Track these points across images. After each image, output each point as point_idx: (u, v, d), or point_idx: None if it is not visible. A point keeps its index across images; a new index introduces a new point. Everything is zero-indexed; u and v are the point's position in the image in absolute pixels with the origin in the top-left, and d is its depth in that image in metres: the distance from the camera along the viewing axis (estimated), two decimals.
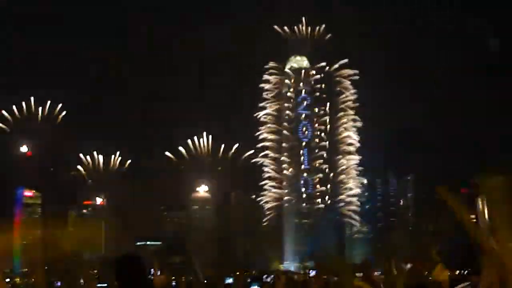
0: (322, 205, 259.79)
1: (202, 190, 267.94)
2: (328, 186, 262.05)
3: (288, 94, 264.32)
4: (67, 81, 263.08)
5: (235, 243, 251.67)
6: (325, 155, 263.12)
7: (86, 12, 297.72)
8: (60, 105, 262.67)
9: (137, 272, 8.81)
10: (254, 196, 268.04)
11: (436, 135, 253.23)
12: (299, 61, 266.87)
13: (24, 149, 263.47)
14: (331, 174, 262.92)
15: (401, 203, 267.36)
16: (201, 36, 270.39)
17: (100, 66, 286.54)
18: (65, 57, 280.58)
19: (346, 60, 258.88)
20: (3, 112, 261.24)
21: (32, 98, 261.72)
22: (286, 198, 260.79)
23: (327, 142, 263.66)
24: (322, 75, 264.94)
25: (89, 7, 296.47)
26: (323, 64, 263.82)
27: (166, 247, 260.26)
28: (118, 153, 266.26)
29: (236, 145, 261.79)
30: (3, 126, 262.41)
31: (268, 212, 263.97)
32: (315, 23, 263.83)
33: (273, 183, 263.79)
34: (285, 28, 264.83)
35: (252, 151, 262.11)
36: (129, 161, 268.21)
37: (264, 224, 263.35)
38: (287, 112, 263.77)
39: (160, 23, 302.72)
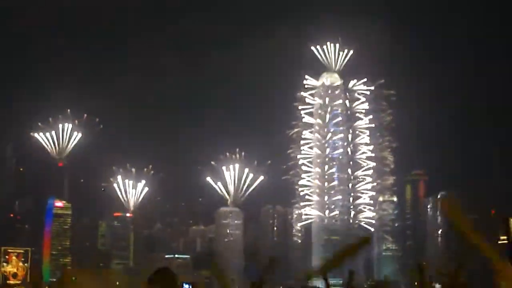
0: (351, 222, 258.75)
1: (232, 204, 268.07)
2: (358, 203, 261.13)
3: (319, 111, 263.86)
4: (103, 95, 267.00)
5: (262, 258, 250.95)
6: (356, 172, 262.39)
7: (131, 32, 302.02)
8: (97, 119, 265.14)
9: (169, 285, 9.07)
10: (284, 212, 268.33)
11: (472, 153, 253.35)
12: (332, 78, 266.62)
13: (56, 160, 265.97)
14: (362, 192, 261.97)
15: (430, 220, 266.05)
16: (239, 52, 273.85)
17: (134, 80, 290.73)
18: (102, 71, 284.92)
19: (382, 81, 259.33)
20: (38, 123, 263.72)
21: (68, 110, 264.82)
22: (316, 214, 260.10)
23: (359, 160, 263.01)
24: (355, 93, 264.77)
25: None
26: (356, 81, 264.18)
27: (194, 260, 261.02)
28: (150, 166, 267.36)
29: (268, 162, 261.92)
30: (38, 137, 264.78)
31: (297, 228, 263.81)
32: (349, 43, 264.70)
33: (304, 200, 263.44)
34: (318, 46, 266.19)
35: (284, 167, 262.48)
36: (160, 174, 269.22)
37: (294, 240, 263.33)
38: (319, 129, 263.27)
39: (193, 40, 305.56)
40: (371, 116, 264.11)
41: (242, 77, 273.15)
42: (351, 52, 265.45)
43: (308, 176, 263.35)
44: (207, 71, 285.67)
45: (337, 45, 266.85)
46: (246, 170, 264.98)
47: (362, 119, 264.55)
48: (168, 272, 9.45)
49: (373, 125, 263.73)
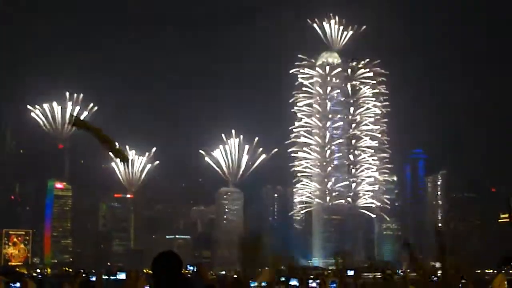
0: (351, 202, 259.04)
1: (232, 185, 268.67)
2: (358, 182, 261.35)
3: (319, 89, 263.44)
4: (102, 76, 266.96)
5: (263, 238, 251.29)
6: (355, 151, 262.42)
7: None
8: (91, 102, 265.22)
9: (173, 268, 9.13)
10: (284, 192, 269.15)
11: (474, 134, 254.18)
12: (331, 57, 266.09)
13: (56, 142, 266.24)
14: (361, 171, 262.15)
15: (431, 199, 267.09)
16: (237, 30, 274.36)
17: (138, 63, 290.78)
18: (99, 55, 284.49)
19: (378, 61, 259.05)
20: (37, 106, 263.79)
21: (67, 93, 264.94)
22: (315, 194, 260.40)
23: (357, 139, 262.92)
24: (353, 71, 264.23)
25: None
26: (355, 60, 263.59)
27: (195, 241, 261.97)
28: (152, 148, 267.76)
29: (275, 149, 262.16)
30: (37, 119, 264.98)
31: (297, 208, 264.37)
32: (348, 20, 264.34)
33: (303, 179, 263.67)
34: (317, 23, 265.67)
35: (282, 146, 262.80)
36: (159, 155, 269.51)
37: (294, 219, 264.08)
38: (318, 107, 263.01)
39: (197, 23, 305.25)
40: (371, 96, 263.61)
41: (244, 56, 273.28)
42: (351, 32, 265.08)
43: (307, 155, 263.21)
44: (209, 50, 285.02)
45: (337, 23, 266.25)
46: (246, 148, 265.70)
47: (359, 97, 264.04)
48: (172, 255, 9.53)
49: (372, 106, 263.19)
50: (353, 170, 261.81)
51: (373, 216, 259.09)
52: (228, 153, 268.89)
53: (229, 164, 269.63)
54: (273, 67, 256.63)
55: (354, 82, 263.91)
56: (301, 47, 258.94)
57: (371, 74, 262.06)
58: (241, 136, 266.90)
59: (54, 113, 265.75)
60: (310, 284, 57.86)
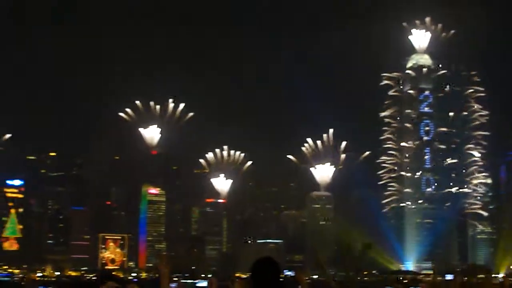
0: (443, 205, 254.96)
1: (322, 189, 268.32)
2: (451, 185, 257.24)
3: (410, 91, 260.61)
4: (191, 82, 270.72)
5: (354, 241, 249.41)
6: (448, 154, 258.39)
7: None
8: (182, 105, 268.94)
9: (274, 275, 9.29)
10: (374, 195, 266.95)
11: None
12: (422, 59, 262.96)
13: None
14: (454, 174, 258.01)
15: None
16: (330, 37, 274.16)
17: (227, 68, 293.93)
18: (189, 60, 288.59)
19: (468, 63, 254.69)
20: (127, 110, 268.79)
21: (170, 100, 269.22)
22: (407, 197, 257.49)
23: (450, 142, 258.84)
24: (446, 73, 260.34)
25: None
26: (448, 62, 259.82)
27: (286, 244, 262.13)
28: (242, 154, 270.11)
29: (367, 152, 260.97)
30: (132, 126, 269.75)
31: (389, 211, 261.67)
32: (436, 22, 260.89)
33: (395, 183, 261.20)
34: (408, 26, 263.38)
35: (373, 150, 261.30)
36: (250, 162, 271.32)
37: (384, 223, 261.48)
38: (409, 110, 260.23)
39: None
40: (464, 98, 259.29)
41: (333, 60, 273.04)
42: (443, 34, 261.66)
43: (399, 159, 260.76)
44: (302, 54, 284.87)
45: (428, 26, 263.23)
46: (337, 152, 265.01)
47: (454, 101, 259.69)
48: (272, 261, 9.83)
49: (466, 108, 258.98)
50: (446, 173, 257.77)
51: (467, 219, 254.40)
52: (318, 158, 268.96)
53: (319, 168, 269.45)
54: (363, 70, 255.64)
55: (446, 85, 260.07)
56: (392, 50, 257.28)
57: (464, 76, 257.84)
58: (331, 140, 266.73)
59: (149, 119, 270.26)
60: None
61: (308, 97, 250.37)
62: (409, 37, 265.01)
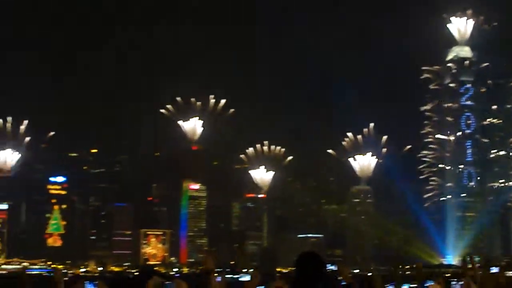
0: (486, 199, 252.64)
1: (363, 183, 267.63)
2: (492, 178, 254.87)
3: (451, 85, 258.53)
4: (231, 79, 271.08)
5: (396, 236, 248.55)
6: (491, 148, 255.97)
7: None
8: (223, 101, 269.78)
9: (318, 268, 9.47)
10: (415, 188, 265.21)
11: None
12: (463, 52, 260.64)
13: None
14: (497, 168, 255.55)
15: None
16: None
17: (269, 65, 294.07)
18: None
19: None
20: (168, 106, 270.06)
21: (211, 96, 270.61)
22: (448, 190, 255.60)
23: (491, 134, 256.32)
24: (488, 66, 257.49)
25: None
26: (488, 54, 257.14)
27: (327, 239, 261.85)
28: (282, 149, 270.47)
29: (408, 146, 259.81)
30: (172, 122, 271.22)
31: (429, 205, 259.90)
32: (477, 13, 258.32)
33: (436, 176, 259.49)
34: (447, 18, 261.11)
35: (414, 143, 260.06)
36: (290, 157, 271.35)
37: (425, 217, 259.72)
38: (450, 104, 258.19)
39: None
40: (504, 90, 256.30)
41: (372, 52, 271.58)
42: (484, 26, 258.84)
43: (439, 152, 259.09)
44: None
45: (468, 18, 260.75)
46: (377, 145, 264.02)
47: (494, 94, 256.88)
48: (316, 255, 9.99)
49: (506, 101, 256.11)
50: (489, 167, 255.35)
51: (510, 212, 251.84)
52: (358, 151, 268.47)
53: (360, 159, 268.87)
54: (403, 63, 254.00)
55: (488, 77, 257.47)
56: (432, 42, 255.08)
57: (506, 68, 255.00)
58: (371, 133, 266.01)
59: (189, 115, 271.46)
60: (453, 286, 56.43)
61: (347, 92, 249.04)
62: (450, 29, 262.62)
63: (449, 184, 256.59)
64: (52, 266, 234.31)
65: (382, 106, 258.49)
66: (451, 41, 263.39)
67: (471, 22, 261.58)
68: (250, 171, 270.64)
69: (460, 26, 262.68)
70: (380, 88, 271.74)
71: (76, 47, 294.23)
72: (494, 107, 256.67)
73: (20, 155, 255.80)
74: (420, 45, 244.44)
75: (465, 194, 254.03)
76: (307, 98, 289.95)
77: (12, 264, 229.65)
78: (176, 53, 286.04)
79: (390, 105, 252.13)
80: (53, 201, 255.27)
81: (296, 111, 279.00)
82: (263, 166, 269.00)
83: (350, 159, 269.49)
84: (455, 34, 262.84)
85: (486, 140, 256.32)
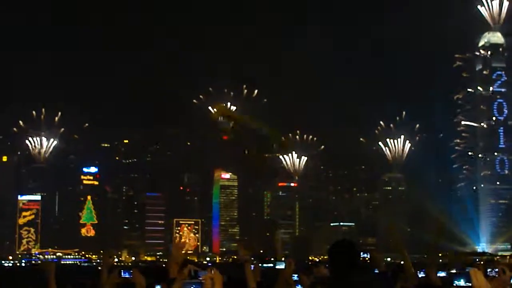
0: None
1: (395, 170, 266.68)
2: None
3: (483, 72, 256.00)
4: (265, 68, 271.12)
5: (428, 223, 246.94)
6: None
7: None
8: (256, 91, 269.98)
9: (353, 256, 9.44)
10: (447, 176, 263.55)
11: None
12: (494, 37, 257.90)
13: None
14: None
15: None
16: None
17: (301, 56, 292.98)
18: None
19: None
20: (201, 96, 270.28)
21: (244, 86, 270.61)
22: (482, 177, 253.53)
23: None
24: None
25: None
26: None
27: (359, 228, 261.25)
28: (315, 138, 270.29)
29: (440, 135, 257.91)
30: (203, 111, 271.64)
31: (462, 193, 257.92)
32: None
33: (468, 164, 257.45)
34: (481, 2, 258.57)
35: (445, 130, 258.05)
36: (322, 146, 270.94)
37: (457, 205, 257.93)
38: (481, 90, 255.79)
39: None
40: None
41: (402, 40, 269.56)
42: None
43: (472, 139, 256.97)
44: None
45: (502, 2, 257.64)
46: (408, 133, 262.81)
47: None
48: (351, 242, 9.92)
49: None
50: None
51: None
52: (391, 139, 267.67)
53: (392, 150, 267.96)
54: (436, 49, 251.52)
55: None
56: (464, 27, 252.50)
57: None
58: (403, 119, 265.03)
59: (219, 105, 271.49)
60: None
61: (379, 81, 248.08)
62: (481, 13, 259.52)
63: (482, 172, 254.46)
64: (86, 256, 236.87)
65: (414, 94, 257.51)
66: (484, 27, 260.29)
67: (503, 7, 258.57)
68: (281, 157, 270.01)
69: (493, 11, 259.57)
70: (409, 78, 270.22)
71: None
72: None
73: (55, 143, 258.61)
74: (453, 30, 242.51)
75: (497, 182, 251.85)
76: (340, 87, 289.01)
77: (46, 254, 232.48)
78: (212, 45, 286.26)
79: (421, 93, 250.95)
80: (86, 191, 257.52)
81: (329, 100, 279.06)
82: (295, 153, 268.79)
83: (382, 146, 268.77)
84: (487, 19, 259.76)
85: None
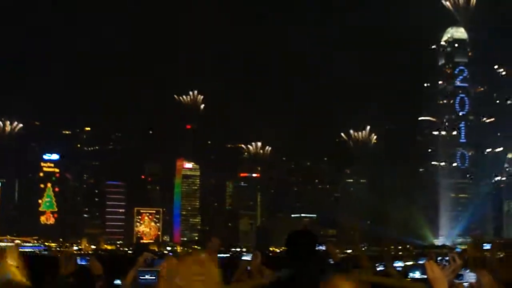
0: (479, 180, 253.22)
1: (357, 163, 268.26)
2: (485, 159, 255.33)
3: (446, 66, 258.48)
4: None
5: (388, 217, 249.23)
6: (482, 128, 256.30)
7: None
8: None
9: (310, 246, 9.38)
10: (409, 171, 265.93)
11: None
12: (458, 32, 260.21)
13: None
14: (489, 149, 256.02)
15: None
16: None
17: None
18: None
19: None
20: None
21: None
22: (442, 172, 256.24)
23: (484, 116, 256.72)
24: (481, 47, 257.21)
25: None
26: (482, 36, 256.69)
27: (320, 219, 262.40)
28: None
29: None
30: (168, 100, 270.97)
31: (424, 187, 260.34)
32: None
33: (428, 159, 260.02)
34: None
35: (410, 126, 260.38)
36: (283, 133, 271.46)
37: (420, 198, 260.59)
38: (444, 85, 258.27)
39: None
40: (501, 72, 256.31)
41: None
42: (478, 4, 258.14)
43: (433, 133, 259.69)
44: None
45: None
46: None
47: (487, 73, 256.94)
48: (308, 232, 9.87)
49: (504, 84, 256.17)
50: (480, 147, 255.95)
51: (502, 195, 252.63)
52: (355, 131, 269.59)
53: (355, 141, 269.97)
54: (412, 43, 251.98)
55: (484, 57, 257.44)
56: (427, 23, 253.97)
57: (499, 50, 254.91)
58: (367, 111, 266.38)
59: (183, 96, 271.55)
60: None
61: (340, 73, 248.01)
62: (445, 8, 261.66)
63: (443, 165, 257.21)
64: (45, 244, 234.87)
65: (378, 84, 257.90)
66: (447, 21, 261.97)
67: (466, 3, 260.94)
68: (244, 146, 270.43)
69: (456, 6, 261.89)
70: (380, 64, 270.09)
71: None
72: (485, 87, 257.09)
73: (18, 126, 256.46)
74: (418, 23, 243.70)
75: (458, 176, 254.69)
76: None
77: (3, 242, 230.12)
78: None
79: (390, 86, 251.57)
80: (47, 178, 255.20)
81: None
82: (259, 142, 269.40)
83: (345, 138, 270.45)
84: (451, 14, 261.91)
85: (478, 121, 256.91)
